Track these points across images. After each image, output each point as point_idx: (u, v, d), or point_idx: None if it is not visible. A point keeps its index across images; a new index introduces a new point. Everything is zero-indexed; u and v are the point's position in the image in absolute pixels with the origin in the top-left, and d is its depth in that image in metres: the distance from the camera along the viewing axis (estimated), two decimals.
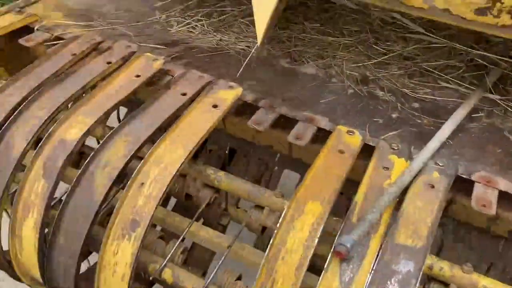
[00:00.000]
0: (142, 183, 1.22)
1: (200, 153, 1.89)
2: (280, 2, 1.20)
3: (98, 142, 1.78)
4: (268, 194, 1.37)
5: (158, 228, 1.69)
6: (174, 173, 1.23)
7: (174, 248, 1.33)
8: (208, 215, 1.70)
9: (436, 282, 1.23)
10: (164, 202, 1.91)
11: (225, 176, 1.41)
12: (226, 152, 1.59)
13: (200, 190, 1.50)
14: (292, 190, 1.23)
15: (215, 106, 1.45)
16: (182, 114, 1.40)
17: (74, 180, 1.23)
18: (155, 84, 1.59)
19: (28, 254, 1.29)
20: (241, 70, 1.46)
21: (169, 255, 1.31)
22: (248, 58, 1.42)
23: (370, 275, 1.08)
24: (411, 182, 1.26)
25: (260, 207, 1.42)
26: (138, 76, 1.53)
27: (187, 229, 1.40)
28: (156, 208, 1.17)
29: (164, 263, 1.30)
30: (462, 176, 1.32)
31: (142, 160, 1.25)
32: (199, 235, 1.44)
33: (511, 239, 1.49)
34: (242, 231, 1.57)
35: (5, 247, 1.38)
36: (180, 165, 1.24)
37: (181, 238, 1.37)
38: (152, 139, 1.34)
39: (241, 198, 1.55)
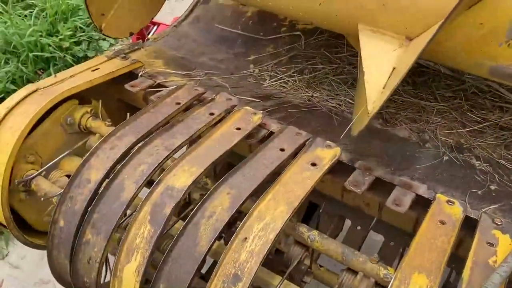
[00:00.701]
0: (245, 238, 1.24)
1: None
2: (398, 75, 1.22)
3: None
4: (363, 258, 1.35)
5: None
6: (277, 231, 1.24)
7: None
8: (293, 271, 1.69)
9: None
10: None
11: (318, 235, 1.41)
12: (320, 210, 1.59)
13: (291, 247, 1.50)
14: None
15: (313, 165, 1.47)
16: (282, 171, 1.43)
17: (180, 229, 1.26)
18: (252, 137, 1.63)
19: None
20: (344, 133, 1.48)
21: None
22: (352, 122, 1.44)
23: None
24: None
25: (352, 271, 1.40)
26: (238, 129, 1.58)
27: (279, 286, 1.39)
28: (260, 265, 1.18)
29: None
30: None
31: (246, 215, 1.27)
32: None
33: None
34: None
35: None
36: (283, 224, 1.26)
37: None
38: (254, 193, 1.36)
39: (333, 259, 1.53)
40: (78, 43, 4.06)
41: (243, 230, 1.26)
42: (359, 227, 1.88)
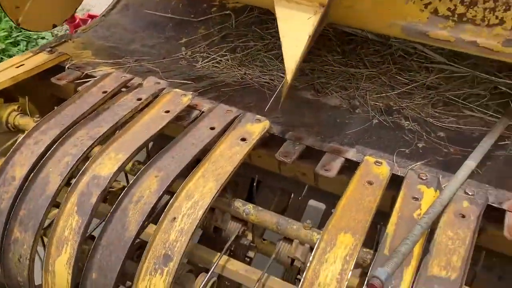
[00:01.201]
0: (174, 218, 1.24)
1: (227, 186, 1.91)
2: (310, 42, 1.23)
3: (126, 176, 1.82)
4: (297, 226, 1.37)
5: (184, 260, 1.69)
6: (205, 208, 1.24)
7: (204, 282, 1.33)
8: (235, 247, 1.70)
9: None
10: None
11: (253, 208, 1.42)
12: (254, 184, 1.60)
13: (228, 223, 1.50)
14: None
15: (243, 140, 1.47)
16: (212, 149, 1.43)
17: (108, 215, 1.25)
18: (183, 119, 1.62)
19: None
20: (268, 105, 1.48)
21: None
22: (275, 94, 1.44)
23: None
24: (441, 212, 1.26)
25: (289, 239, 1.42)
26: (167, 111, 1.56)
27: (216, 262, 1.40)
28: (188, 242, 1.18)
29: None
30: (493, 205, 1.31)
31: (174, 195, 1.27)
32: (228, 269, 1.43)
33: None
34: (270, 262, 1.58)
35: (37, 281, 1.40)
36: (211, 199, 1.26)
37: (210, 272, 1.37)
38: (183, 174, 1.36)
39: (269, 230, 1.55)
40: (15, 44, 3.93)
41: (172, 210, 1.26)
42: (300, 198, 1.90)
